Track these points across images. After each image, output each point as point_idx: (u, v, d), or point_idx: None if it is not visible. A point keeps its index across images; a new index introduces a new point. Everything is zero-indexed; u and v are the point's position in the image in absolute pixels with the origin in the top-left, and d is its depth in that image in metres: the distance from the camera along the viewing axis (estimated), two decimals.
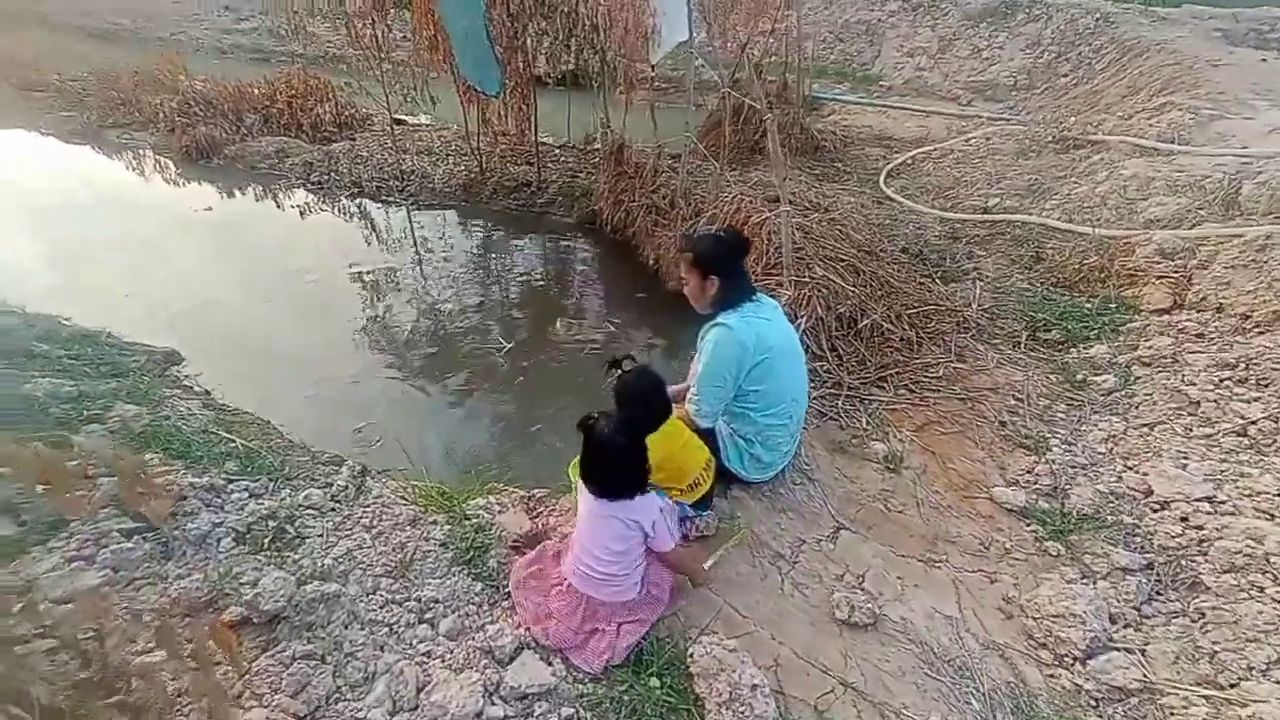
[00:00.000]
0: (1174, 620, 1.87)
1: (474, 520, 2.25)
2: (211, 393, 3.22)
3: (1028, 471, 2.46)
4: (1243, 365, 2.58)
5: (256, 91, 7.21)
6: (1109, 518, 2.14)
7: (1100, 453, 2.47)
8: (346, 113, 7.18)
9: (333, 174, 6.26)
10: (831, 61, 9.96)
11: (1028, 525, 2.22)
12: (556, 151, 6.37)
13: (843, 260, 3.56)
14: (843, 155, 6.51)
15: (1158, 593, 1.94)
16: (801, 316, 3.15)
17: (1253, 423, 2.33)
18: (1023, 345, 3.33)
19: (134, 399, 2.72)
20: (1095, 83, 7.44)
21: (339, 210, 6.00)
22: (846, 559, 2.20)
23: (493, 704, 1.67)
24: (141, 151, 7.21)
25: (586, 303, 4.61)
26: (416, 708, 1.65)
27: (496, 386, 3.74)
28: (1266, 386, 2.43)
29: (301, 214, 5.92)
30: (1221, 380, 2.56)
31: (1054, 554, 2.07)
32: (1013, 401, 2.89)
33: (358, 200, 6.10)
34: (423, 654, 1.79)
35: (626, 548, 1.83)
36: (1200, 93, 5.42)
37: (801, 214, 3.87)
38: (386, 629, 1.86)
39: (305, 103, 7.07)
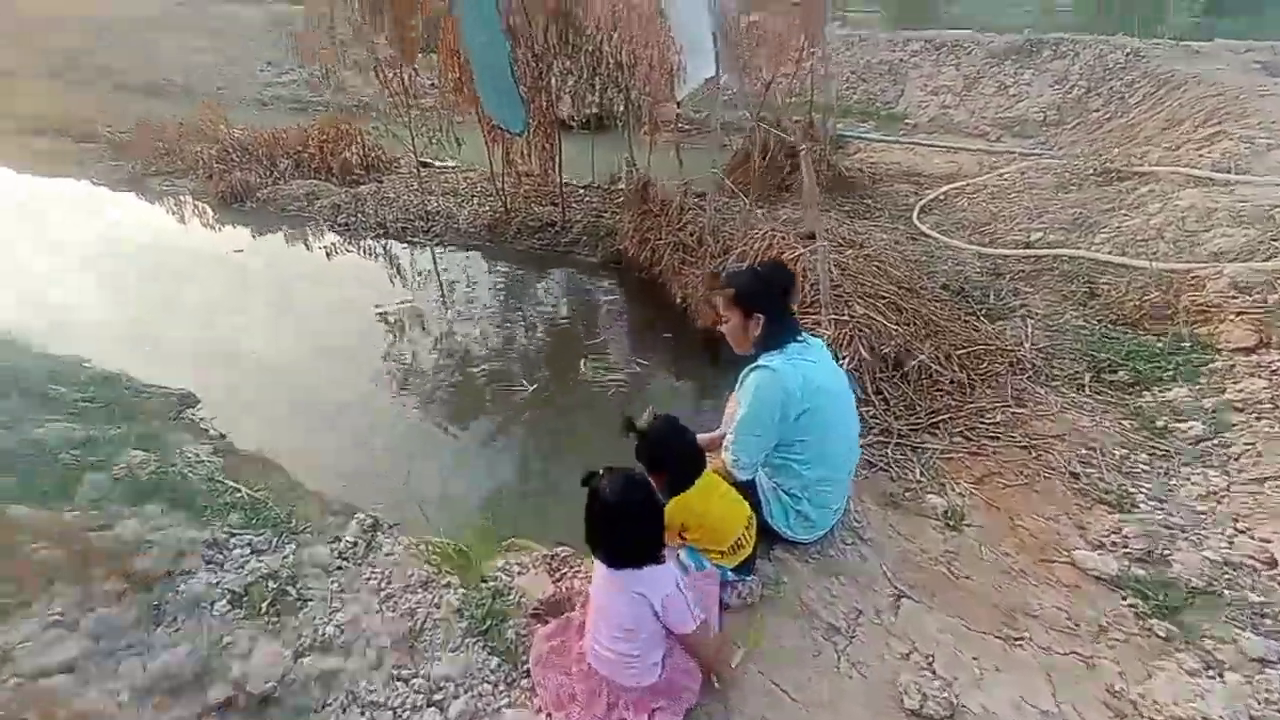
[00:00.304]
0: None
1: (491, 584, 2.05)
2: (226, 436, 3.09)
3: (1113, 532, 2.17)
4: None
5: (289, 137, 7.39)
6: (1226, 592, 1.84)
7: (1200, 512, 2.18)
8: (373, 155, 7.31)
9: (359, 215, 6.30)
10: (855, 101, 9.95)
11: (1123, 598, 1.92)
12: (581, 191, 6.35)
13: (883, 298, 3.36)
14: (872, 192, 6.37)
15: None
16: (844, 357, 2.94)
17: None
18: (1087, 388, 3.06)
19: (144, 444, 2.59)
20: (1131, 116, 7.25)
21: (364, 251, 6.01)
22: (911, 633, 1.93)
23: None
24: (181, 197, 7.39)
25: (612, 342, 4.45)
26: None
27: (519, 430, 3.57)
28: None
29: (328, 255, 5.94)
30: None
31: (1163, 636, 1.77)
32: (1084, 451, 2.61)
33: (383, 241, 6.11)
34: None
35: (636, 625, 1.60)
36: (1252, 122, 5.19)
37: (836, 250, 3.69)
38: (390, 714, 1.64)
39: (335, 146, 7.21)
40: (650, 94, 4.71)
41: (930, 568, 2.16)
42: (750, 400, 1.96)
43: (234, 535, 2.14)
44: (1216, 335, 3.16)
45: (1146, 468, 2.52)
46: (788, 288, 2.05)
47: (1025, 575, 2.13)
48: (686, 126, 8.09)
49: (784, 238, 3.59)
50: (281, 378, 3.97)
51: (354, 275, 5.60)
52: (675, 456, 1.88)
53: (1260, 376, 2.74)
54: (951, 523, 2.33)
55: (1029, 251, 4.43)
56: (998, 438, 2.76)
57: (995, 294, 4.10)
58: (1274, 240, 3.60)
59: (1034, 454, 2.65)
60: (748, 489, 2.08)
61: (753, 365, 2.03)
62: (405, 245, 6.03)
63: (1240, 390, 2.70)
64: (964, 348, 3.21)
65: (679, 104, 5.30)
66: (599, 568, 1.65)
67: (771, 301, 2.02)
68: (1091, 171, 5.38)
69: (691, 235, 4.36)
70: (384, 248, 6.03)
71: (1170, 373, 2.98)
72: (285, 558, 2.09)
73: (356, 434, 3.46)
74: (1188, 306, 3.39)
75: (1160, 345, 3.24)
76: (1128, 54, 8.34)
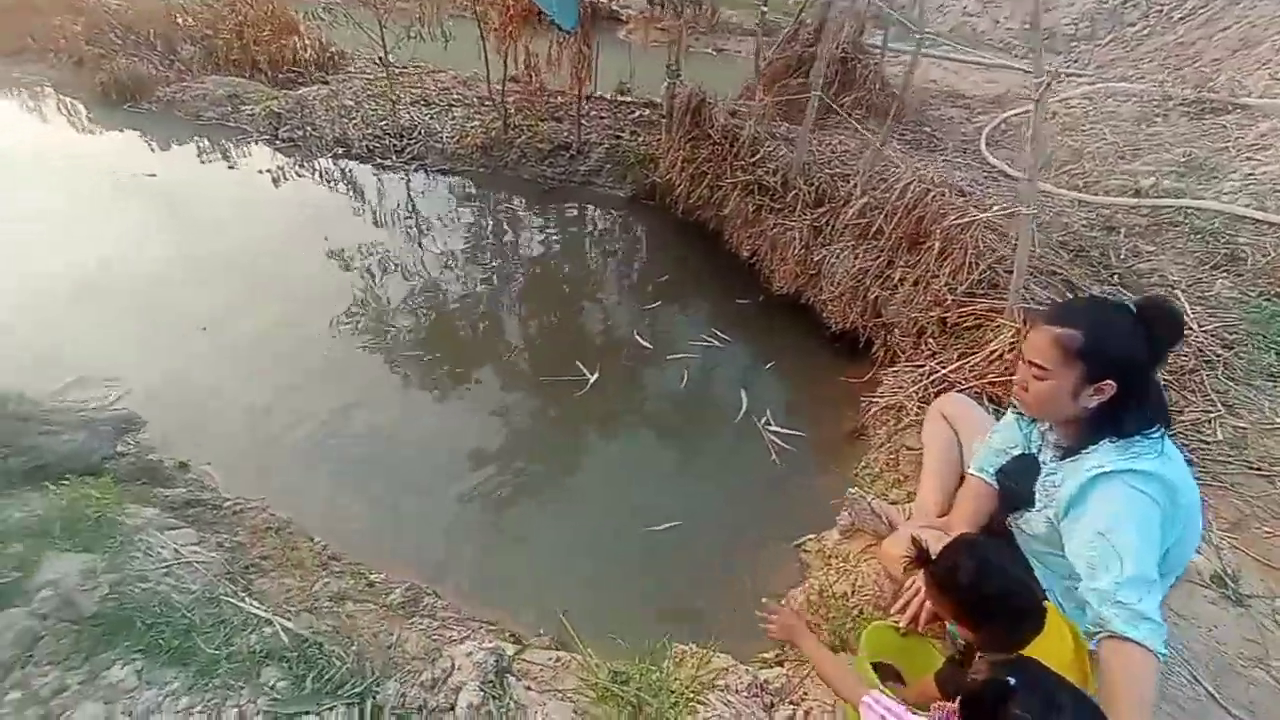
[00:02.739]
0: None
1: None
2: (204, 497, 2.14)
3: None
4: None
5: (196, 18, 5.68)
6: None
7: None
8: (319, 50, 5.75)
9: (309, 128, 4.94)
10: (867, 4, 8.83)
11: None
12: (586, 106, 5.20)
13: (1047, 271, 2.72)
14: (924, 118, 5.58)
15: None
16: None
17: None
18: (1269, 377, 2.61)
19: (78, 535, 1.65)
20: (1179, 34, 6.67)
21: (322, 176, 4.74)
22: None
23: None
24: (41, 89, 5.64)
25: (667, 308, 3.64)
26: None
27: (606, 448, 2.78)
28: None
29: (275, 181, 4.64)
30: None
31: None
32: None
33: (344, 164, 4.84)
34: None
35: None
36: None
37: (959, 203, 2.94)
38: None
39: (260, 33, 5.60)
40: None
41: (1246, 671, 1.67)
42: (1132, 526, 1.26)
43: (283, 714, 1.35)
44: None
45: None
46: (1171, 345, 1.34)
47: None
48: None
49: (942, 194, 2.82)
50: (255, 373, 2.96)
51: (315, 212, 4.37)
52: (1010, 608, 1.20)
53: None
54: (1232, 596, 1.84)
55: (1149, 201, 3.86)
56: (1226, 461, 2.27)
57: (1115, 254, 3.55)
58: None
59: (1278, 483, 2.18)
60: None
61: (1092, 466, 1.31)
62: (377, 170, 4.79)
63: None
64: None
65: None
66: None
67: (1142, 368, 1.31)
68: (1180, 101, 4.80)
69: (774, 175, 3.49)
70: (346, 173, 4.77)
71: None
72: None
73: (386, 474, 2.57)
74: None
75: None
76: None
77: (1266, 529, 2.04)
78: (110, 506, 1.70)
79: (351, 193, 4.58)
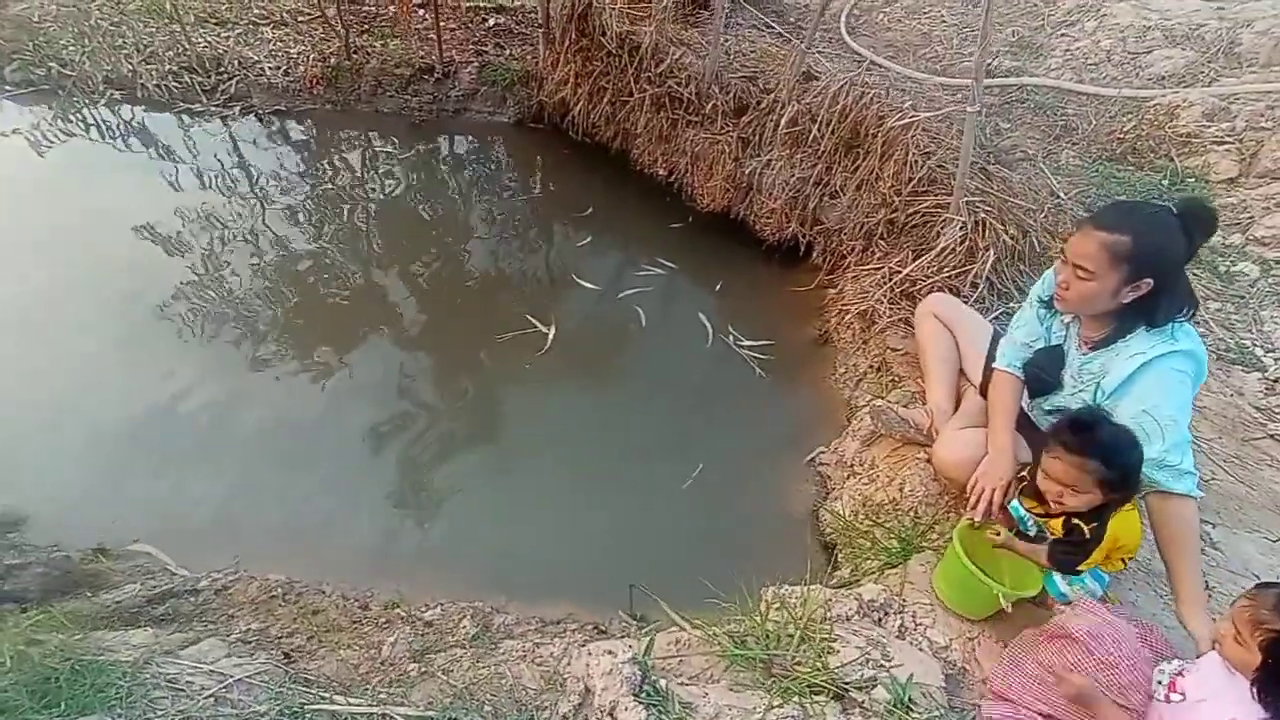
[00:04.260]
0: None
1: None
2: (149, 566, 1.68)
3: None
4: None
5: None
6: None
7: None
8: None
9: (54, 66, 3.68)
10: None
11: None
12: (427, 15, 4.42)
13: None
14: (781, 5, 5.54)
15: None
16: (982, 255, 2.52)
17: None
18: None
19: (59, 700, 1.20)
20: None
21: (105, 133, 3.63)
22: None
23: None
24: None
25: (600, 243, 3.43)
26: None
27: (585, 418, 2.59)
28: None
29: (35, 147, 3.46)
30: None
31: None
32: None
33: (129, 112, 3.73)
34: None
35: None
36: None
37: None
38: None
39: None
40: None
41: None
42: (1181, 399, 1.46)
43: None
44: (1208, 168, 3.43)
45: (1239, 317, 2.72)
46: (1206, 241, 1.48)
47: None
48: None
49: (880, 95, 2.83)
50: (109, 403, 2.33)
51: (119, 183, 3.38)
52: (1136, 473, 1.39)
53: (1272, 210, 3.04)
54: None
55: (998, 81, 4.26)
56: None
57: (983, 133, 3.93)
58: (1210, 62, 3.89)
59: None
60: None
61: (1132, 348, 1.50)
62: (185, 119, 3.76)
63: (1272, 227, 2.97)
64: (1038, 211, 3.02)
65: None
66: None
67: (1178, 265, 1.46)
68: None
69: (686, 86, 3.30)
70: (144, 127, 3.70)
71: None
72: None
73: (356, 482, 2.22)
74: (1169, 137, 3.60)
75: (1165, 183, 3.42)
76: None
77: None
78: (74, 645, 1.27)
79: (155, 151, 3.58)
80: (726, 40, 3.38)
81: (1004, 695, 1.35)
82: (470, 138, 4.02)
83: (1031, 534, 1.59)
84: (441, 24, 4.05)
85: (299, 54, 3.92)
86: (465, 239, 3.36)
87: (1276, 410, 2.32)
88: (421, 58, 3.99)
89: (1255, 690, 1.09)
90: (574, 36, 3.61)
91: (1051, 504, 1.48)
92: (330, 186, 3.53)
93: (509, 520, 2.16)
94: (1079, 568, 1.46)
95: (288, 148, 3.76)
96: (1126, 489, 1.40)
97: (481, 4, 4.62)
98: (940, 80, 4.29)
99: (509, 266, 3.26)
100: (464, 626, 1.65)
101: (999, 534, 1.55)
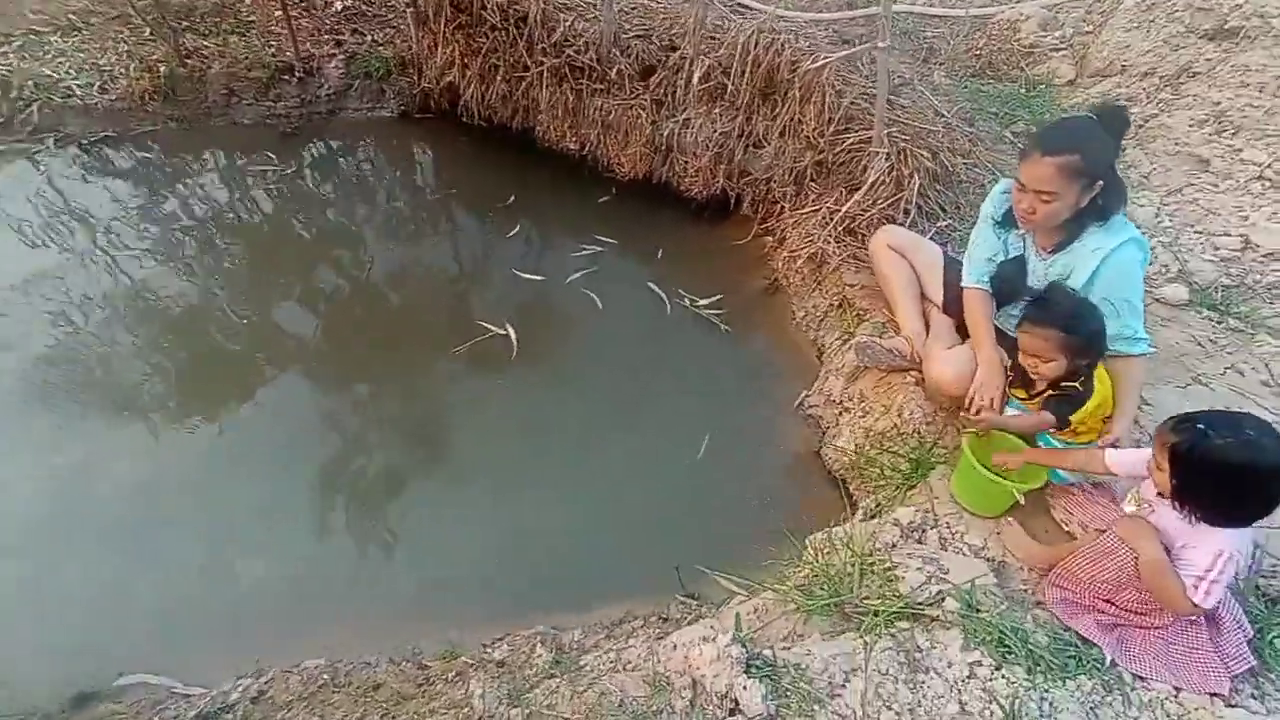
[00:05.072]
0: None
1: None
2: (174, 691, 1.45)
3: None
4: (1213, 120, 3.13)
5: None
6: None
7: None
8: None
9: None
10: None
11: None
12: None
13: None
14: None
15: None
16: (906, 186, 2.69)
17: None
18: (1009, 141, 3.49)
19: None
20: None
21: None
22: None
23: None
24: None
25: (530, 231, 3.27)
26: None
27: (582, 419, 2.48)
28: (1244, 131, 3.01)
29: None
30: (1208, 136, 3.09)
31: None
32: None
33: None
34: None
35: None
36: None
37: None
38: None
39: None
40: None
41: None
42: (1135, 281, 1.69)
43: None
44: (1051, 73, 3.84)
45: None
46: (1123, 136, 1.68)
47: None
48: None
49: (790, 39, 2.85)
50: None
51: None
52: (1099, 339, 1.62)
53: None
54: None
55: (862, 12, 4.46)
56: None
57: (861, 61, 4.15)
58: None
59: None
60: None
61: (1090, 243, 1.69)
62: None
63: None
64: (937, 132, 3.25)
65: None
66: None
67: (1113, 162, 1.65)
68: None
69: (586, 53, 3.16)
70: None
71: (1045, 113, 3.53)
72: None
73: (366, 524, 2.03)
74: (1017, 50, 3.99)
75: (1023, 91, 3.80)
76: None
77: None
78: None
79: None
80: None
81: (1062, 583, 1.51)
82: (354, 139, 3.63)
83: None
84: (289, 13, 3.58)
85: (113, 65, 3.31)
86: (382, 253, 3.07)
87: (1154, 277, 2.69)
88: (274, 55, 3.52)
89: (1175, 503, 1.32)
90: (449, 14, 3.33)
91: (1032, 376, 1.71)
92: (196, 219, 3.07)
93: (532, 534, 2.07)
94: (1070, 420, 1.66)
95: (129, 181, 3.20)
96: (1092, 353, 1.63)
97: None
98: (829, 17, 4.45)
99: (440, 274, 3.05)
100: (539, 655, 1.59)
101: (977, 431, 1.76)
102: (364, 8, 4.05)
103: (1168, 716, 1.30)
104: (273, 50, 3.53)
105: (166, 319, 2.62)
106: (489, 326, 2.72)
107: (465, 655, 1.63)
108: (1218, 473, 1.22)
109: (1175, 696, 1.32)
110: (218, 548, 1.96)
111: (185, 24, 3.58)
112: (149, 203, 3.11)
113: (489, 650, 1.64)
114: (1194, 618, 1.36)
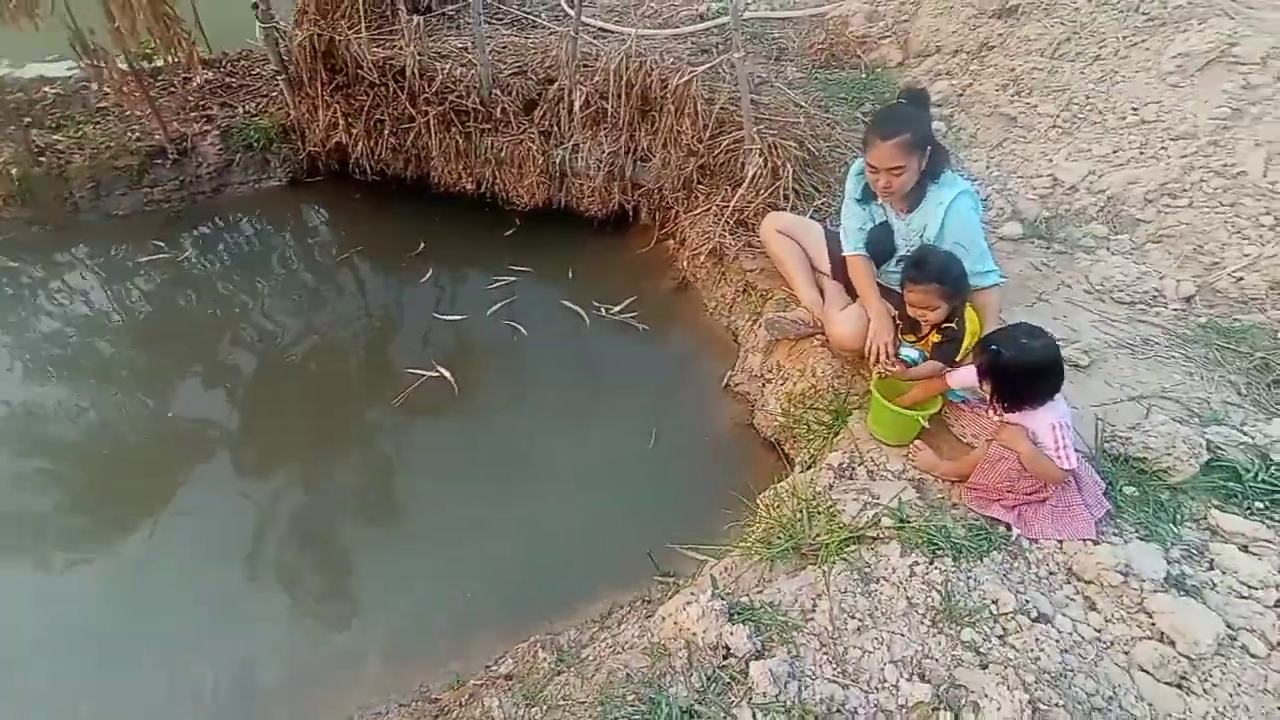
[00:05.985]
0: None
1: None
2: None
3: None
4: (1011, 84, 3.68)
5: None
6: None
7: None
8: None
9: None
10: None
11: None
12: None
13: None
14: None
15: None
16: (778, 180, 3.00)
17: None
18: (861, 122, 3.94)
19: None
20: None
21: None
22: None
23: None
24: None
25: (442, 275, 3.34)
26: None
27: (536, 443, 2.60)
28: (1036, 90, 3.57)
29: None
30: (1010, 98, 3.64)
31: None
32: None
33: None
34: None
35: None
36: None
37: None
38: None
39: None
40: None
41: None
42: (974, 224, 2.03)
43: None
44: (884, 59, 4.36)
45: None
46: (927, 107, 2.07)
47: None
48: None
49: (657, 57, 3.10)
50: None
51: None
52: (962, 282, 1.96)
53: (938, 80, 4.00)
54: None
55: (715, 22, 4.85)
56: None
57: (725, 69, 4.52)
58: None
59: None
60: None
61: (935, 198, 2.03)
62: None
63: (937, 93, 3.90)
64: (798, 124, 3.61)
65: None
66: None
67: (931, 132, 2.02)
68: None
69: (467, 97, 3.30)
70: None
71: (889, 95, 4.02)
72: None
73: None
74: (851, 42, 4.49)
75: (865, 77, 4.29)
76: None
77: None
78: None
79: None
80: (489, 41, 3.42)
81: (973, 486, 1.81)
82: (245, 213, 3.57)
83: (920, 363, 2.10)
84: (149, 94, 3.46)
85: None
86: (294, 324, 3.05)
87: (995, 219, 3.15)
88: (138, 140, 3.40)
89: (993, 411, 1.70)
90: (324, 77, 3.37)
91: (923, 326, 2.01)
92: (80, 322, 2.93)
93: (509, 554, 2.18)
94: (956, 358, 1.98)
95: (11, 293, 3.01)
96: (959, 294, 1.96)
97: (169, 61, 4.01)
98: (686, 31, 4.79)
99: (361, 332, 3.07)
100: (542, 659, 1.70)
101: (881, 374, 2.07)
102: (227, 80, 3.98)
103: (1056, 563, 1.62)
104: (136, 135, 3.42)
105: (65, 440, 2.49)
106: (420, 372, 2.78)
107: (473, 679, 1.72)
108: (1008, 374, 1.63)
109: (1060, 547, 1.64)
110: (202, 655, 1.92)
111: (28, 120, 3.40)
112: (21, 314, 2.94)
113: (494, 667, 1.74)
114: (1067, 482, 1.68)
